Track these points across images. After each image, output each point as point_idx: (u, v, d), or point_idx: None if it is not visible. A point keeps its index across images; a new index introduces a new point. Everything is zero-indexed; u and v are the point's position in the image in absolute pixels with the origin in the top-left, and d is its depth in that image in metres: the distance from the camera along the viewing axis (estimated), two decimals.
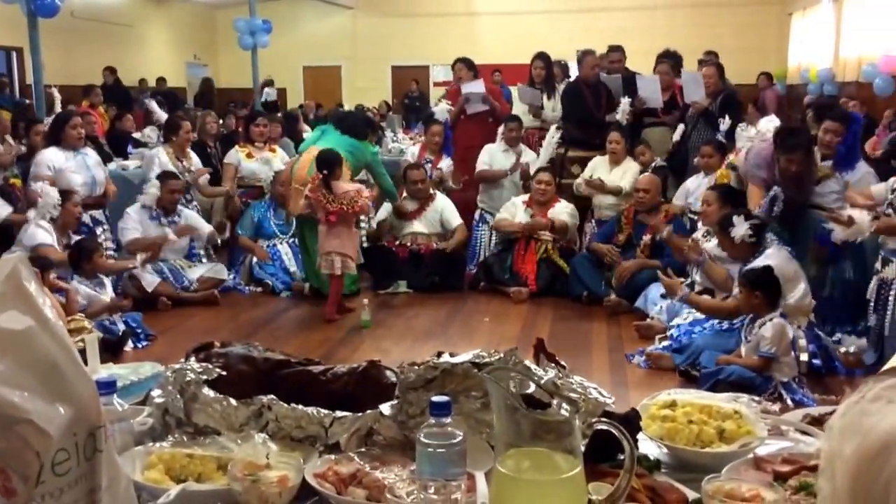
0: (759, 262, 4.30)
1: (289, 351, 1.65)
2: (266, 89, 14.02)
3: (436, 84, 16.62)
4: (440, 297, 6.03)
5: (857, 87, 11.20)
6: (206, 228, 6.28)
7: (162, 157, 6.46)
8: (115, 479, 1.08)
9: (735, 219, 4.43)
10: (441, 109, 7.26)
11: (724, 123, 6.06)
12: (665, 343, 4.64)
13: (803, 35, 14.69)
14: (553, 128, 6.80)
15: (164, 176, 6.08)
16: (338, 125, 6.03)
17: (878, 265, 4.50)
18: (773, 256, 4.32)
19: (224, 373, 1.45)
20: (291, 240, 6.56)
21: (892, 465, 0.60)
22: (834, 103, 7.80)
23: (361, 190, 5.46)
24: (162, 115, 9.46)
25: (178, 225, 6.05)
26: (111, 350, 4.52)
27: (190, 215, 6.22)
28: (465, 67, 7.28)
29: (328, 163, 5.42)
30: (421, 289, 6.07)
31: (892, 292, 4.36)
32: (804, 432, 1.53)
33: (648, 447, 1.49)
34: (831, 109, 5.83)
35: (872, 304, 4.49)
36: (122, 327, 4.93)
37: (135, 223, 5.90)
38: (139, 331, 5.05)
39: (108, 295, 5.21)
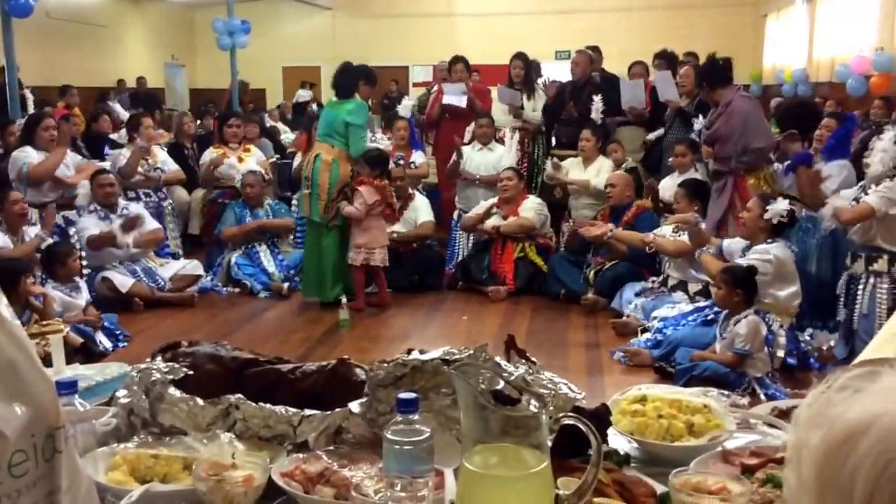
0: (758, 251, 4.34)
1: (267, 351, 1.63)
2: (300, 91, 14.01)
3: (415, 84, 16.60)
4: (419, 297, 6.03)
5: (831, 87, 11.33)
6: (153, 224, 6.04)
7: (125, 155, 6.38)
8: (75, 481, 1.07)
9: (780, 198, 4.47)
10: (405, 106, 7.26)
11: (698, 123, 6.12)
12: (647, 337, 4.66)
13: (777, 36, 14.84)
14: (508, 129, 6.82)
15: (94, 174, 5.95)
16: (335, 92, 5.95)
17: (847, 261, 4.56)
18: (782, 249, 4.38)
19: (191, 372, 1.43)
20: (270, 240, 6.52)
21: (859, 455, 0.60)
22: (805, 102, 7.89)
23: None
24: (125, 116, 9.37)
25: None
26: (87, 353, 4.46)
27: (136, 209, 6.05)
28: (465, 68, 7.33)
29: (379, 161, 5.66)
30: (400, 288, 6.06)
31: (860, 287, 4.42)
32: (772, 425, 1.54)
33: (619, 442, 1.49)
34: (804, 109, 5.93)
35: (842, 299, 4.55)
36: (97, 335, 4.86)
37: (89, 223, 5.76)
38: (117, 332, 5.00)
39: (83, 299, 5.13)
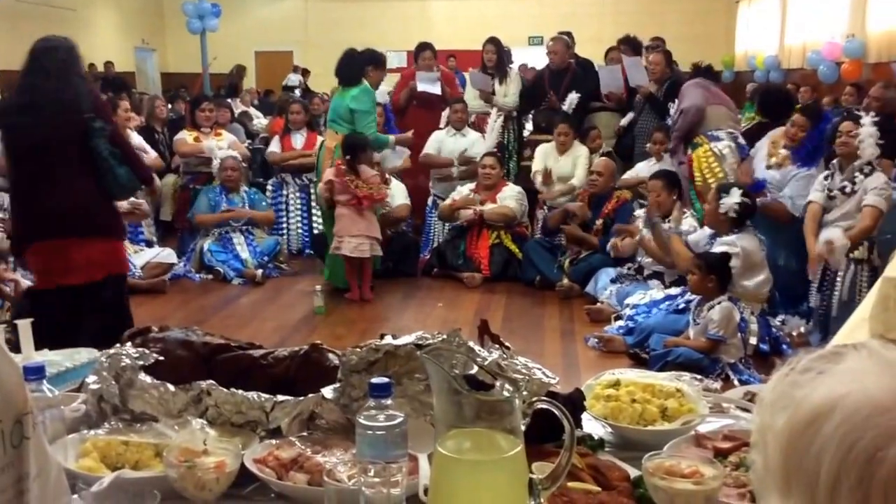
0: (725, 243, 4.38)
1: (241, 339, 1.61)
2: (291, 75, 13.78)
3: (390, 70, 16.49)
4: (394, 283, 6.01)
5: (802, 73, 11.44)
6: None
7: None
8: (44, 468, 1.05)
9: (733, 189, 4.49)
10: (380, 92, 7.21)
11: (675, 109, 6.16)
12: (620, 324, 4.69)
13: (750, 22, 14.95)
14: (494, 111, 6.80)
15: None
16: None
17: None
18: (747, 240, 4.41)
19: (161, 358, 1.41)
20: (245, 227, 6.45)
21: (824, 436, 0.60)
22: (779, 88, 7.96)
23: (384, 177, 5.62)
24: None
25: None
26: None
27: None
28: (433, 56, 7.24)
29: (353, 147, 5.48)
30: (375, 274, 6.03)
31: (839, 274, 4.47)
32: (745, 409, 1.56)
33: (593, 426, 1.50)
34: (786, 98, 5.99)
35: (816, 285, 4.60)
36: None
37: None
38: None
39: None
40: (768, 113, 5.74)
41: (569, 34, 7.49)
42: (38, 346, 1.68)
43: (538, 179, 6.44)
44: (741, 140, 5.42)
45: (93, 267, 3.51)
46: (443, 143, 6.81)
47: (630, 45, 7.37)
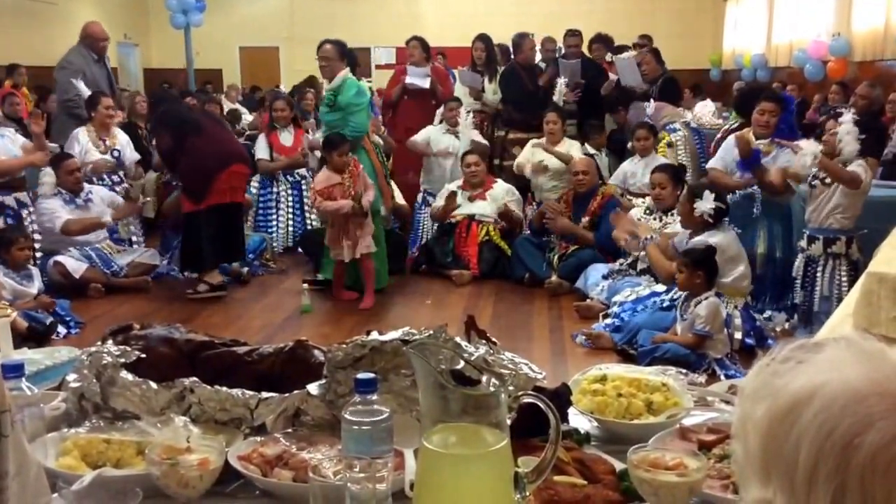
0: (704, 238, 4.40)
1: (226, 336, 1.60)
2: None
3: (378, 67, 16.45)
4: None
5: (789, 72, 11.51)
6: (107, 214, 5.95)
7: (82, 138, 6.20)
8: (24, 466, 1.04)
9: (706, 193, 4.51)
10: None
11: (650, 107, 6.25)
12: (608, 321, 4.70)
13: (737, 21, 15.02)
14: (463, 111, 6.78)
15: (57, 159, 5.80)
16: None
17: (803, 243, 4.64)
18: (721, 236, 4.45)
19: (143, 355, 1.40)
20: None
21: (802, 424, 0.61)
22: (753, 88, 8.03)
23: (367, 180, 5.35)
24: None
25: (92, 202, 5.82)
26: (38, 339, 4.35)
27: (98, 192, 5.94)
28: (420, 47, 7.10)
29: (330, 144, 5.28)
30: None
31: (819, 269, 4.50)
32: (729, 402, 1.56)
33: (579, 421, 1.50)
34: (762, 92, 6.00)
35: (799, 281, 4.63)
36: (49, 319, 4.75)
37: (57, 208, 5.65)
38: (68, 319, 4.88)
39: (35, 288, 4.99)
40: (746, 113, 5.78)
41: (577, 32, 7.47)
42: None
43: (527, 170, 6.44)
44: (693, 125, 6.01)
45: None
46: (434, 138, 6.80)
47: (603, 42, 7.38)
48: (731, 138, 5.07)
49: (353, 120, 5.47)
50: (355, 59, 5.83)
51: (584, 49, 7.61)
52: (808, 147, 4.59)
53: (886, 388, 0.60)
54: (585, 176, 5.91)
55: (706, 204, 4.45)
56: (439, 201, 6.39)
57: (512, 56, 7.46)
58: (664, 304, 4.53)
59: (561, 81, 6.72)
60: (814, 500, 0.59)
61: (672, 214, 5.04)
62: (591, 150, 6.62)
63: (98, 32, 7.07)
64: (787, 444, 0.61)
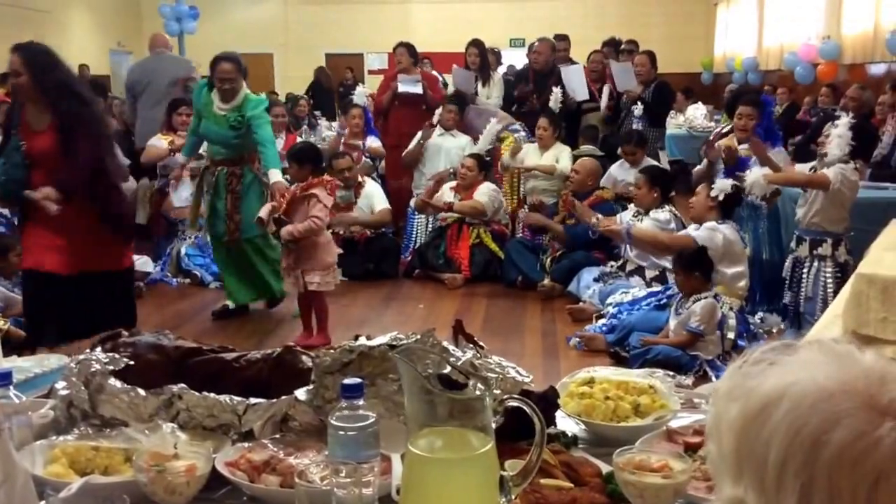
0: (708, 227, 4.42)
1: (216, 343, 1.60)
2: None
3: (371, 72, 16.47)
4: (375, 285, 6.00)
5: (780, 75, 11.56)
6: None
7: None
8: (11, 474, 1.04)
9: (719, 179, 4.54)
10: (359, 93, 7.18)
11: (638, 109, 6.29)
12: (602, 322, 4.71)
13: (728, 24, 15.09)
14: (494, 120, 6.72)
15: None
16: None
17: (792, 244, 4.66)
18: (728, 228, 4.47)
19: (132, 362, 1.40)
20: None
21: (773, 423, 0.62)
22: (741, 92, 8.08)
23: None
24: None
25: None
26: (30, 347, 4.33)
27: None
28: (407, 53, 7.14)
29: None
30: (355, 276, 6.02)
31: (805, 270, 4.53)
32: None
33: (567, 424, 1.50)
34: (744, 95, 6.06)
35: (787, 282, 4.66)
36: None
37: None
38: None
39: None
40: (731, 115, 5.82)
41: (565, 37, 7.50)
42: None
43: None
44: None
45: None
46: (430, 142, 6.81)
47: (614, 47, 7.42)
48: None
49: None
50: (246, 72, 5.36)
51: (585, 52, 7.66)
52: (753, 174, 4.64)
53: (854, 386, 0.61)
54: (576, 175, 5.95)
55: (725, 182, 4.48)
56: (421, 191, 6.48)
57: (501, 61, 7.50)
58: (661, 302, 4.55)
59: (556, 90, 6.74)
60: (783, 496, 0.60)
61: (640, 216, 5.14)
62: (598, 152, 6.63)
63: None
64: (758, 443, 0.63)
